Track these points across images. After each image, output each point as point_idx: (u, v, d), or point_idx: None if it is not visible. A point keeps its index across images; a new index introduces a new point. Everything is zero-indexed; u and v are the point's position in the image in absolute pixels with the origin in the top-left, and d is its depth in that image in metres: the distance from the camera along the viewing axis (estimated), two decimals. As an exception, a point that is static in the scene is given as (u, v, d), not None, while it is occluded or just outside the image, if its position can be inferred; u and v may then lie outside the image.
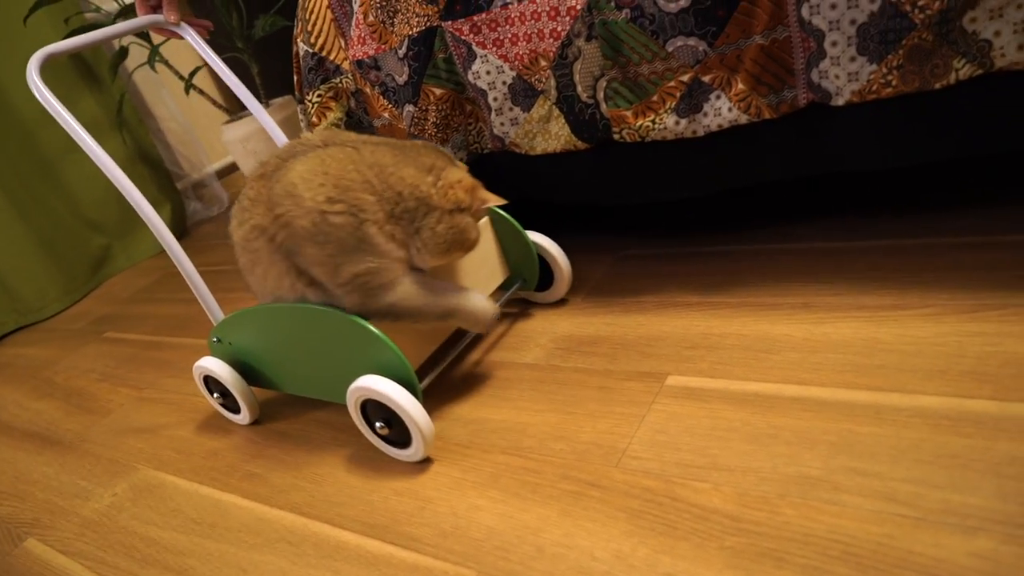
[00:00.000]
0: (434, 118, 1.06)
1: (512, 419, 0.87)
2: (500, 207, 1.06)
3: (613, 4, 0.85)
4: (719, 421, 0.74)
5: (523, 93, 0.98)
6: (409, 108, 1.08)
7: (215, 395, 1.08)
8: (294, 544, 0.79)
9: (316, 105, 1.17)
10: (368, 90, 1.13)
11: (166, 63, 2.10)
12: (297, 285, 0.84)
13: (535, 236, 1.03)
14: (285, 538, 0.81)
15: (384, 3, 1.04)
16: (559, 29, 0.90)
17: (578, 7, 0.88)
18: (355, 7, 1.08)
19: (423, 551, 0.72)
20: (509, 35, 0.95)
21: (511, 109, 1.01)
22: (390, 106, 1.12)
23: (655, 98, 0.89)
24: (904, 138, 0.80)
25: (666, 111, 0.88)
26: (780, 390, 0.75)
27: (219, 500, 0.92)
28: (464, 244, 0.83)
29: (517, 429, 0.85)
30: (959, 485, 0.58)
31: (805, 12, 0.76)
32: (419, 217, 0.80)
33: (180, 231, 2.40)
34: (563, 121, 0.97)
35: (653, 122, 0.89)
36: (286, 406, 1.09)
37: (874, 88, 0.77)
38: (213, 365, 1.02)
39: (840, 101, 0.79)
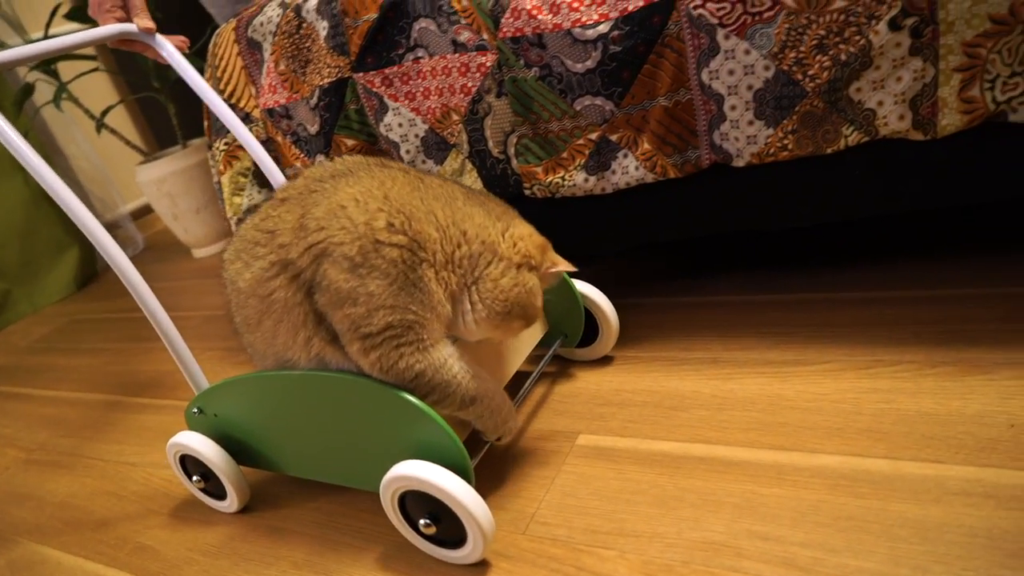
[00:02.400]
0: (346, 169, 1.04)
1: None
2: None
3: (522, 62, 0.86)
4: (627, 483, 0.73)
5: (436, 146, 0.98)
6: (321, 158, 1.06)
7: (194, 478, 0.89)
8: (182, 627, 0.74)
9: (223, 153, 1.13)
10: (279, 139, 1.11)
11: (75, 101, 2.01)
12: (314, 341, 0.69)
13: (580, 286, 0.91)
14: (173, 620, 0.75)
15: (296, 52, 1.02)
16: (469, 85, 0.90)
17: (488, 64, 0.88)
18: (266, 55, 1.06)
19: (320, 632, 0.68)
20: (421, 89, 0.95)
21: (424, 162, 1.00)
22: (302, 155, 1.09)
23: (565, 155, 0.89)
24: (801, 199, 0.82)
25: (576, 168, 0.89)
26: (688, 449, 0.75)
27: (105, 577, 0.85)
28: (527, 312, 0.70)
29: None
30: (855, 549, 0.58)
31: (705, 77, 0.78)
32: (481, 265, 0.67)
33: (89, 275, 2.28)
34: (476, 175, 0.97)
35: (563, 179, 0.90)
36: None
37: (771, 151, 0.79)
38: (194, 442, 0.85)
39: (741, 163, 0.82)
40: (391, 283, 0.63)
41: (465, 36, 0.88)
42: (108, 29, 0.90)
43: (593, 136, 0.87)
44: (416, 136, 0.98)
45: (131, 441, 1.17)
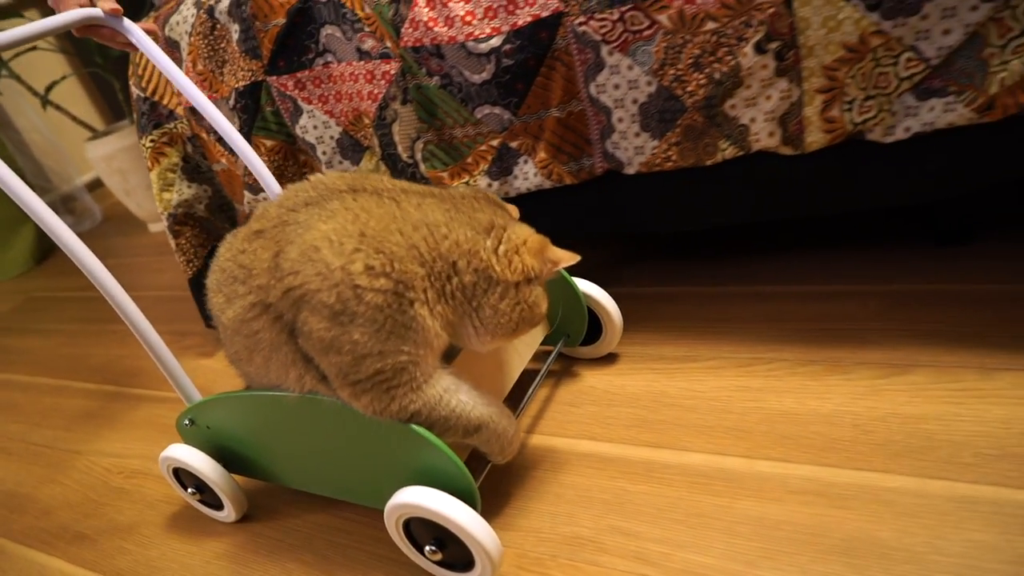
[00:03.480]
0: (268, 169, 1.06)
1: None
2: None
3: (424, 71, 0.88)
4: (514, 478, 0.79)
5: (351, 148, 1.00)
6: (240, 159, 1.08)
7: (189, 490, 0.87)
8: (110, 615, 0.80)
9: (150, 150, 1.15)
10: (204, 136, 1.12)
11: (18, 78, 1.99)
12: (306, 379, 0.66)
13: (583, 285, 0.88)
14: (102, 608, 0.81)
15: (212, 53, 1.03)
16: (376, 91, 0.92)
17: (392, 72, 0.90)
18: (184, 55, 1.07)
19: (231, 619, 0.74)
20: (333, 92, 0.97)
21: (341, 162, 1.02)
22: (226, 152, 1.11)
23: (469, 160, 0.92)
24: (689, 206, 0.86)
25: (480, 173, 0.92)
26: (574, 445, 0.81)
27: (44, 565, 0.91)
28: (533, 320, 0.66)
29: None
30: (700, 544, 0.65)
31: (593, 90, 0.81)
32: (479, 295, 0.63)
33: (47, 249, 2.30)
34: (390, 176, 1.00)
35: (468, 184, 0.93)
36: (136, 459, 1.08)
37: (657, 161, 0.82)
38: (187, 456, 0.83)
39: (631, 171, 0.85)
40: (377, 329, 0.60)
41: (369, 44, 0.90)
42: (71, 15, 0.84)
43: (494, 143, 0.90)
44: (331, 138, 1.00)
45: (78, 428, 1.22)
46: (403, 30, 0.86)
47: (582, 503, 0.73)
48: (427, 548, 0.66)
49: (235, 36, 0.99)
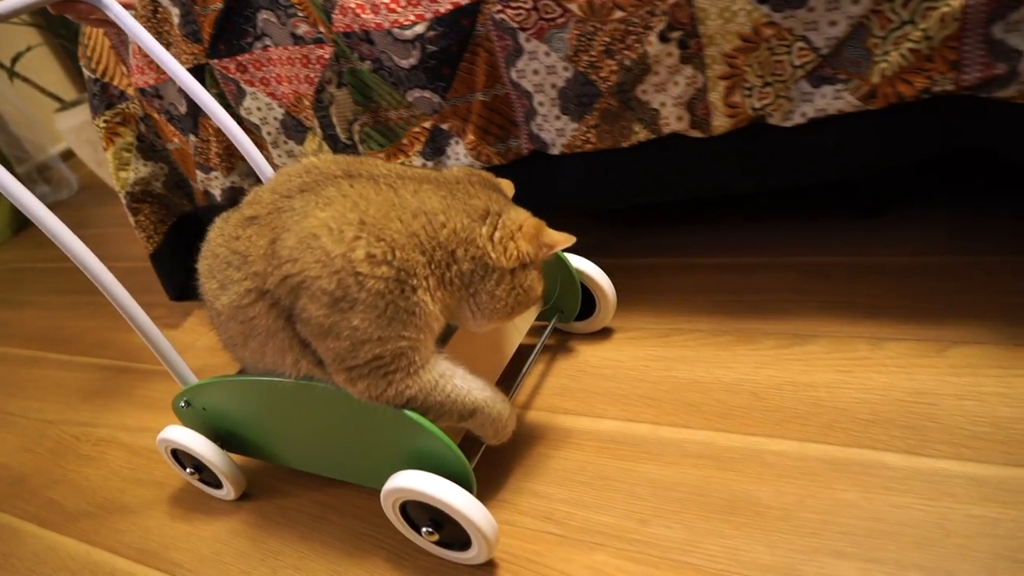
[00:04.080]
0: (216, 148, 1.10)
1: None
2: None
3: (357, 55, 0.91)
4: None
5: (294, 128, 1.03)
6: (192, 138, 1.11)
7: (187, 470, 0.89)
8: (74, 572, 0.87)
9: (104, 130, 1.17)
10: (156, 116, 1.15)
11: (-17, 50, 1.99)
12: (302, 363, 0.67)
13: (575, 261, 0.89)
14: (68, 566, 0.88)
15: (156, 35, 1.05)
16: (312, 76, 0.95)
17: (326, 56, 0.93)
18: (129, 37, 1.09)
19: (183, 577, 0.81)
20: (274, 75, 0.99)
21: (286, 142, 1.05)
22: (178, 132, 1.14)
23: (405, 141, 0.96)
24: (612, 185, 0.90)
25: (415, 153, 0.96)
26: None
27: (17, 528, 0.98)
28: (529, 302, 0.68)
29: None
30: (601, 505, 0.71)
31: (514, 75, 0.84)
32: (476, 281, 0.65)
33: (21, 222, 2.33)
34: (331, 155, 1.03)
35: (404, 164, 0.96)
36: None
37: (578, 143, 0.86)
38: (183, 437, 0.84)
39: (555, 151, 0.89)
40: (378, 315, 0.60)
41: (303, 29, 0.92)
42: None
43: (427, 125, 0.93)
44: (275, 119, 1.03)
45: (50, 399, 1.28)
46: (334, 16, 0.89)
47: (509, 468, 0.79)
48: (424, 529, 0.68)
49: (176, 20, 1.01)
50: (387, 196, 0.63)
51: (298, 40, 0.93)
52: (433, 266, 0.63)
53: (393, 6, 0.84)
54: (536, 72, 0.83)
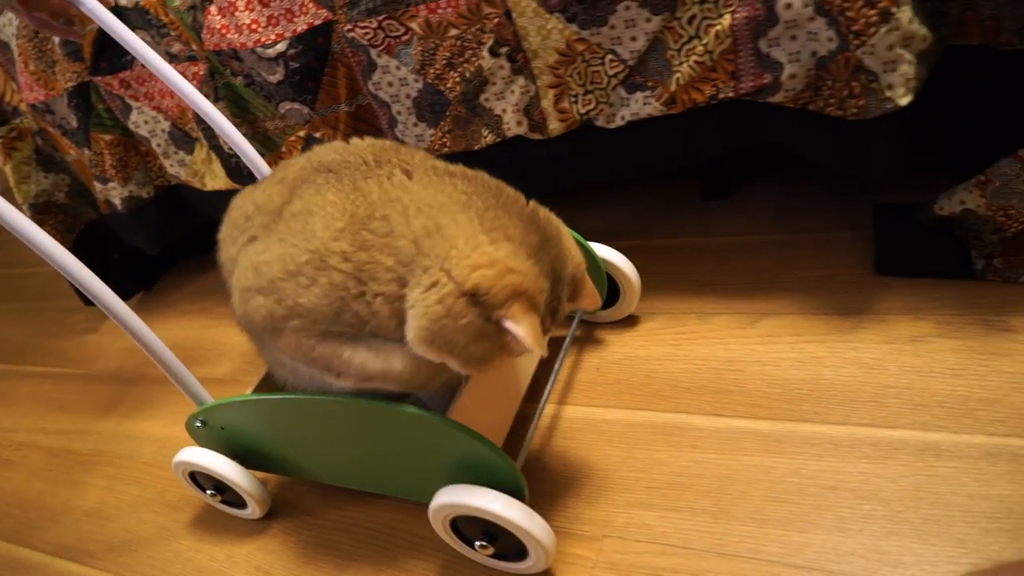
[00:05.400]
0: (110, 161, 1.14)
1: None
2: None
3: (229, 71, 0.96)
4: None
5: (183, 139, 1.09)
6: (87, 151, 1.15)
7: (208, 492, 0.84)
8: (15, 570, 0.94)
9: (1, 145, 1.21)
10: (50, 129, 1.19)
11: None
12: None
13: (599, 249, 0.85)
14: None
15: (40, 55, 1.09)
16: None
17: (201, 73, 0.98)
18: (15, 55, 1.12)
19: (95, 565, 0.88)
20: (157, 89, 1.04)
21: (176, 152, 1.11)
22: (73, 145, 1.18)
23: (283, 149, 1.02)
24: (473, 182, 0.97)
25: (293, 161, 1.02)
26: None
27: (-58, 532, 1.04)
28: (454, 349, 0.54)
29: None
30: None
31: (371, 88, 0.91)
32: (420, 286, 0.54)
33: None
34: (220, 165, 1.09)
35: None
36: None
37: (436, 147, 0.93)
38: (203, 459, 0.80)
39: (419, 155, 0.96)
40: (328, 303, 0.58)
41: (176, 47, 0.97)
42: None
43: (301, 134, 0.99)
44: (163, 131, 1.08)
45: (-27, 406, 1.33)
46: (203, 35, 0.94)
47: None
48: (477, 544, 0.66)
49: (56, 40, 1.05)
50: (390, 193, 0.58)
51: (173, 58, 0.98)
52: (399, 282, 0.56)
53: (255, 27, 0.90)
54: (391, 84, 0.90)
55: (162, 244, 1.27)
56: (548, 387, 0.80)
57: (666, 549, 0.66)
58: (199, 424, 0.79)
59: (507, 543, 0.65)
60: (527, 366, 0.83)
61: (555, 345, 0.86)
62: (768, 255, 0.93)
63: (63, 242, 1.29)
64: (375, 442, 0.68)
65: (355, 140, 0.68)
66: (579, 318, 0.89)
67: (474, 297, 0.52)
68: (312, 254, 0.57)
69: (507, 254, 0.53)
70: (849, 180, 0.97)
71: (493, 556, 0.67)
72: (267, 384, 0.81)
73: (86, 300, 1.34)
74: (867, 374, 0.74)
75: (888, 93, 0.67)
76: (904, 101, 0.67)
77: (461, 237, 0.53)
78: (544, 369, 0.86)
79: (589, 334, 0.92)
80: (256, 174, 0.96)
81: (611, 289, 0.89)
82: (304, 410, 0.69)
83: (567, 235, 0.61)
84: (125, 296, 1.38)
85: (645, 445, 0.76)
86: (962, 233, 0.78)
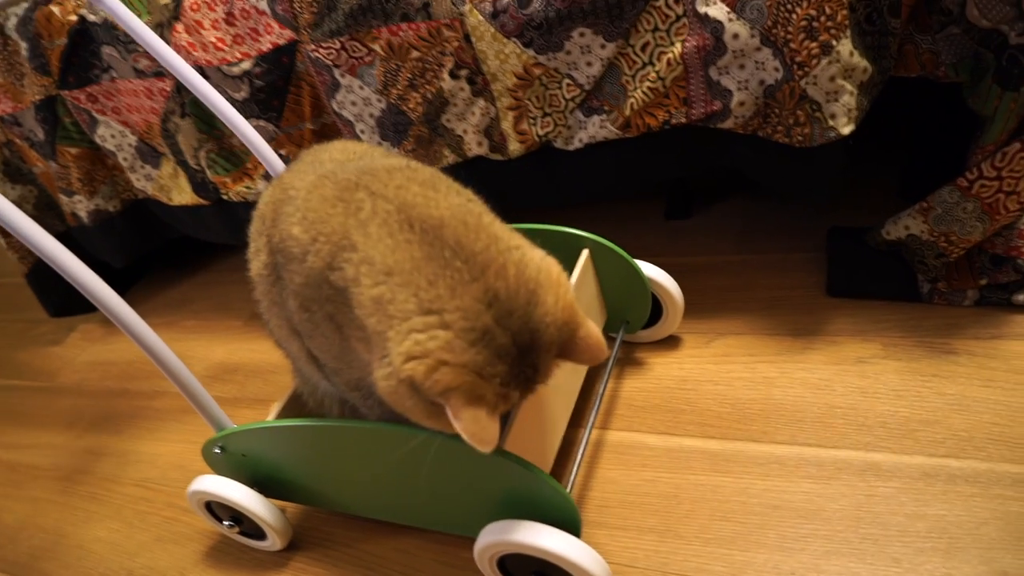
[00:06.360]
0: (77, 174, 1.14)
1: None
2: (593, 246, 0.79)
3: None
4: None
5: (149, 154, 1.09)
6: (53, 164, 1.15)
7: (225, 523, 0.78)
8: None
9: (-34, 157, 1.21)
10: (18, 141, 1.19)
11: None
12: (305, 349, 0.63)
13: (643, 267, 0.82)
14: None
15: (9, 67, 1.09)
16: (156, 107, 1.01)
17: (168, 89, 0.99)
18: (-18, 68, 1.12)
19: (46, 582, 0.88)
20: (124, 104, 1.05)
21: (143, 167, 1.11)
22: (40, 158, 1.18)
23: (249, 165, 1.02)
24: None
25: (259, 177, 1.03)
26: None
27: None
28: (412, 417, 0.52)
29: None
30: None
31: (335, 107, 0.92)
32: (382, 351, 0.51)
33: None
34: (186, 180, 1.09)
35: (248, 187, 1.03)
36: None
37: (400, 166, 0.94)
38: (221, 489, 0.74)
39: (383, 173, 0.97)
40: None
41: (144, 63, 0.98)
42: None
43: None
44: (130, 145, 1.09)
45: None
46: (169, 52, 0.95)
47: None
48: None
49: (24, 52, 1.05)
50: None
51: (139, 74, 0.99)
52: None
53: (220, 45, 0.91)
54: (354, 103, 0.91)
55: (130, 258, 1.27)
56: (594, 411, 0.76)
57: (612, 569, 0.67)
58: (218, 451, 0.74)
59: None
60: (571, 390, 0.75)
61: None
62: (727, 275, 0.94)
63: (28, 253, 1.29)
64: (413, 472, 0.63)
65: (365, 146, 0.69)
66: (621, 339, 0.84)
67: (412, 385, 0.48)
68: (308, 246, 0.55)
69: (439, 346, 0.47)
70: (803, 203, 0.99)
71: None
72: (291, 409, 0.77)
73: (53, 311, 1.33)
74: (815, 394, 0.75)
75: (831, 122, 0.69)
76: (846, 130, 0.69)
77: (398, 318, 0.49)
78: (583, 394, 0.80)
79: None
80: (271, 172, 0.92)
81: (654, 308, 0.85)
82: (337, 437, 0.65)
83: (552, 289, 0.50)
84: (90, 309, 1.38)
85: (599, 464, 0.77)
86: (909, 257, 0.80)
